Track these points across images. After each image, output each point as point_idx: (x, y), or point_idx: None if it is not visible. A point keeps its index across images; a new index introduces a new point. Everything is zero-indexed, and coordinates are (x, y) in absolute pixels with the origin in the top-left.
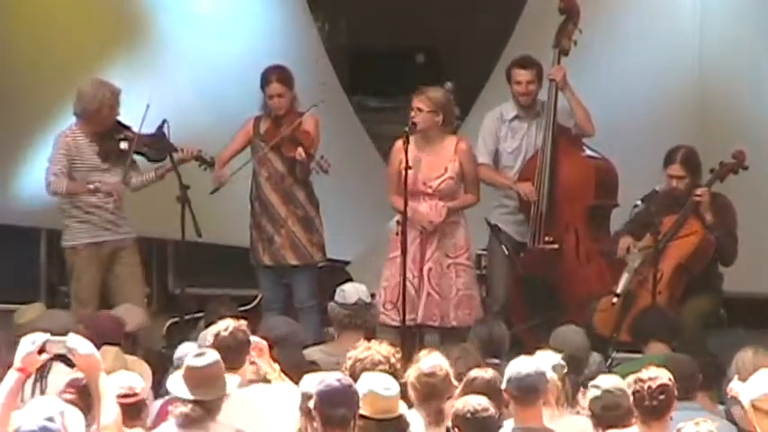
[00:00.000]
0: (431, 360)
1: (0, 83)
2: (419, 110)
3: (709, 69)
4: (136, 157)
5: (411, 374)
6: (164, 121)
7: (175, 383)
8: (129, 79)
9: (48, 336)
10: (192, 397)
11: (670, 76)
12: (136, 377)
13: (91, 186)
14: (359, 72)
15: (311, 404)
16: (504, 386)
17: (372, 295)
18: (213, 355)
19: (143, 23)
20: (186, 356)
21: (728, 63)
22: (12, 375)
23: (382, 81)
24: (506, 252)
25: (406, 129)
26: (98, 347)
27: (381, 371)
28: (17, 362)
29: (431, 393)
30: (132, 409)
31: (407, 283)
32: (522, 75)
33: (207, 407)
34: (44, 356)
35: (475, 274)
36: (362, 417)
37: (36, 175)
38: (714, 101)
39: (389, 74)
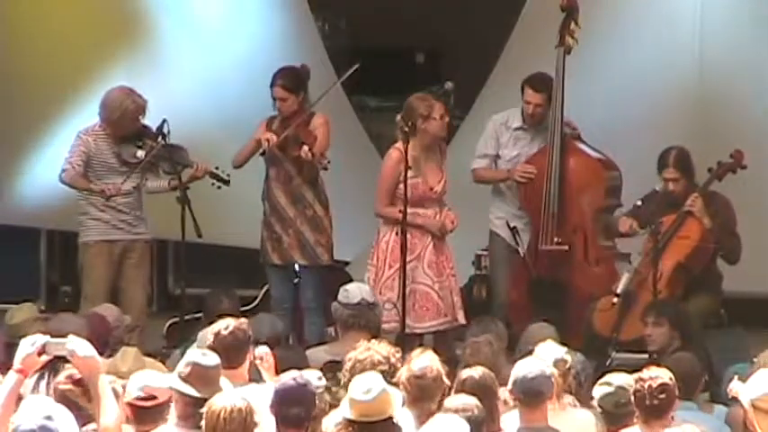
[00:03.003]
0: (422, 361)
1: (0, 85)
2: (442, 117)
3: (708, 69)
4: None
5: (402, 374)
6: (163, 121)
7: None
8: (130, 80)
9: (47, 337)
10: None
11: (670, 76)
12: (159, 378)
13: (94, 186)
14: (359, 72)
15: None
16: (509, 387)
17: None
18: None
19: (144, 26)
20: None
21: (728, 63)
22: (11, 376)
23: (382, 81)
24: (522, 254)
25: (406, 129)
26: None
27: (381, 371)
28: (17, 363)
29: (421, 395)
30: (153, 413)
31: (429, 290)
32: (532, 97)
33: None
34: (44, 358)
35: None
36: (349, 421)
37: (36, 176)
38: (714, 100)
39: (389, 74)
